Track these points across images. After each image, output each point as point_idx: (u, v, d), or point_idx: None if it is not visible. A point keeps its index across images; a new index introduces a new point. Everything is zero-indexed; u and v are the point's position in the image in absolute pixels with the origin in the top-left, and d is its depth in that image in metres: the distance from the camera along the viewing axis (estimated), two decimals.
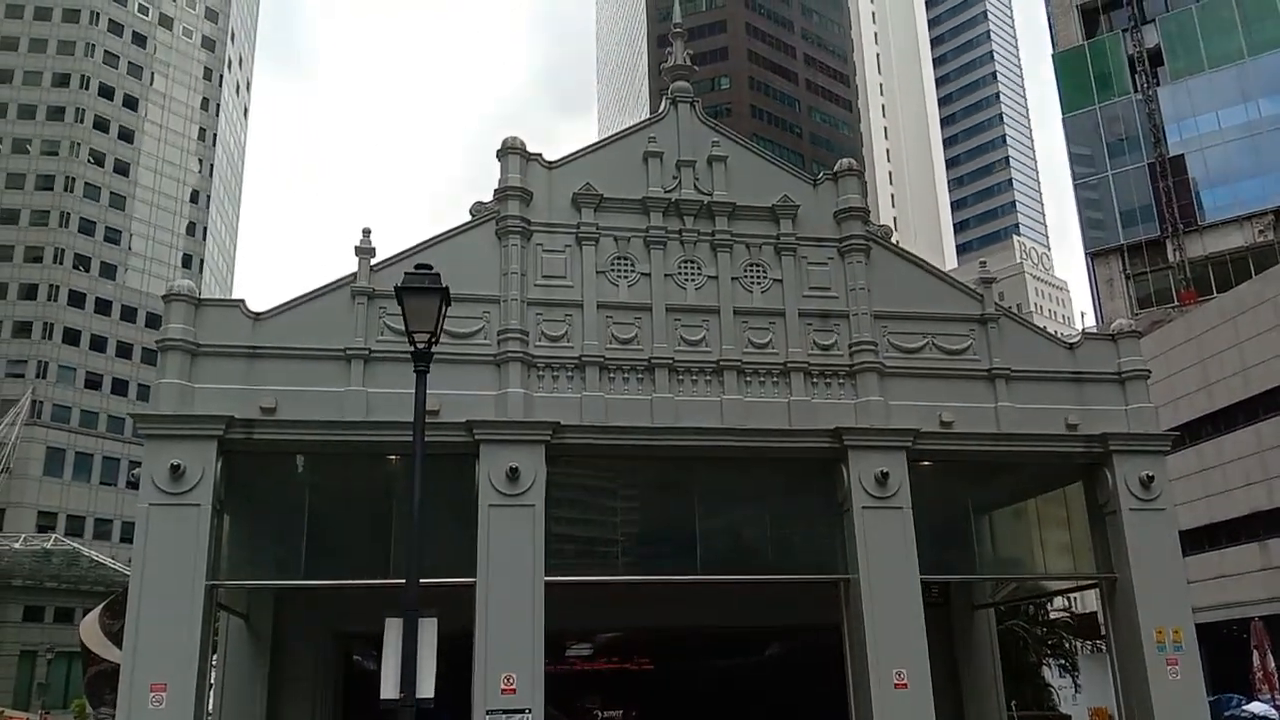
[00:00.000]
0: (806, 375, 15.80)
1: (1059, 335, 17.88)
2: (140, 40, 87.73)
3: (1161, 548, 15.83)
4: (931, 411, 15.77)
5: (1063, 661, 46.90)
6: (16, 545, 65.78)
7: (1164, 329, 46.32)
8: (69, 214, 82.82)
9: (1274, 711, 17.92)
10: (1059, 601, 50.92)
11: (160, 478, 13.29)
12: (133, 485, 68.87)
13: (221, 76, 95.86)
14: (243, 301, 14.78)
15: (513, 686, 13.36)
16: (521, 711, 13.29)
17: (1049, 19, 58.20)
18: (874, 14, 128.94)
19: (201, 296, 14.99)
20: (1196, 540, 40.63)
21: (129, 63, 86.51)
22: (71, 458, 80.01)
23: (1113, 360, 16.77)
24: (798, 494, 16.40)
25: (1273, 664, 27.23)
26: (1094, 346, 16.99)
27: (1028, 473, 16.93)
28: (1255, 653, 27.60)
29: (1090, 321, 57.65)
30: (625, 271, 15.84)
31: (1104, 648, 24.70)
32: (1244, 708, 17.62)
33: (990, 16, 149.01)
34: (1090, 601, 48.08)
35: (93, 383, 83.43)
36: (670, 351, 15.50)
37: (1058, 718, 44.29)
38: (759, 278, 16.21)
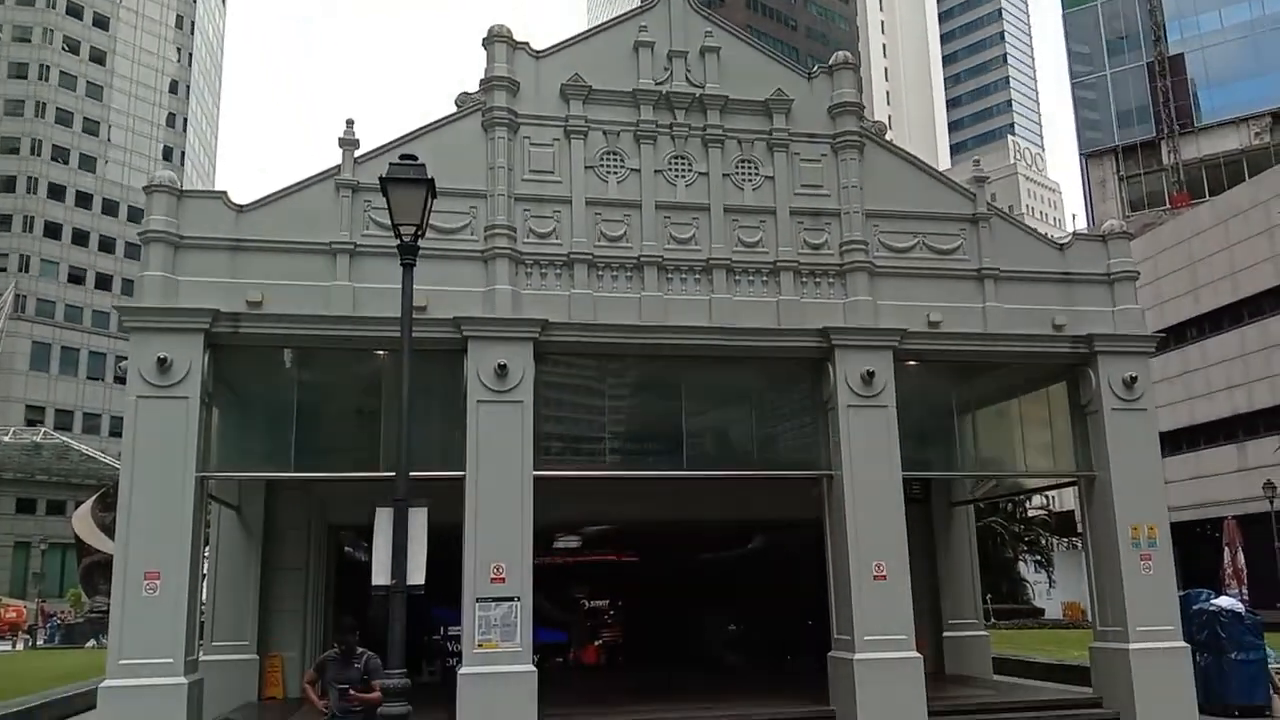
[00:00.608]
0: (796, 274, 15.75)
1: (1050, 237, 17.80)
2: None
3: (1141, 447, 16.08)
4: (919, 311, 15.79)
5: (1038, 558, 48.31)
6: (6, 439, 66.18)
7: (1154, 232, 46.25)
8: (45, 104, 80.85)
9: (1241, 605, 18.47)
10: (1037, 500, 52.12)
11: (147, 370, 13.26)
12: (120, 380, 68.98)
13: None
14: (225, 193, 14.54)
15: (502, 576, 13.64)
16: (510, 599, 13.59)
17: None
18: None
19: (183, 188, 14.73)
20: (1176, 442, 41.38)
21: None
22: (57, 352, 79.87)
23: (1102, 261, 16.75)
24: (784, 393, 16.51)
25: (1242, 560, 28.06)
26: (1084, 247, 16.94)
27: (1012, 373, 17.06)
28: (1226, 549, 28.41)
29: (1081, 224, 57.43)
30: (614, 167, 15.60)
31: (1079, 545, 25.34)
32: (1212, 601, 18.13)
33: None
34: (1068, 500, 49.19)
35: (76, 277, 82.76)
36: (659, 249, 15.38)
37: (1031, 611, 45.84)
38: (750, 175, 16.00)
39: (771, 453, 16.12)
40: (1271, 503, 33.03)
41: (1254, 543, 32.40)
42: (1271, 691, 17.14)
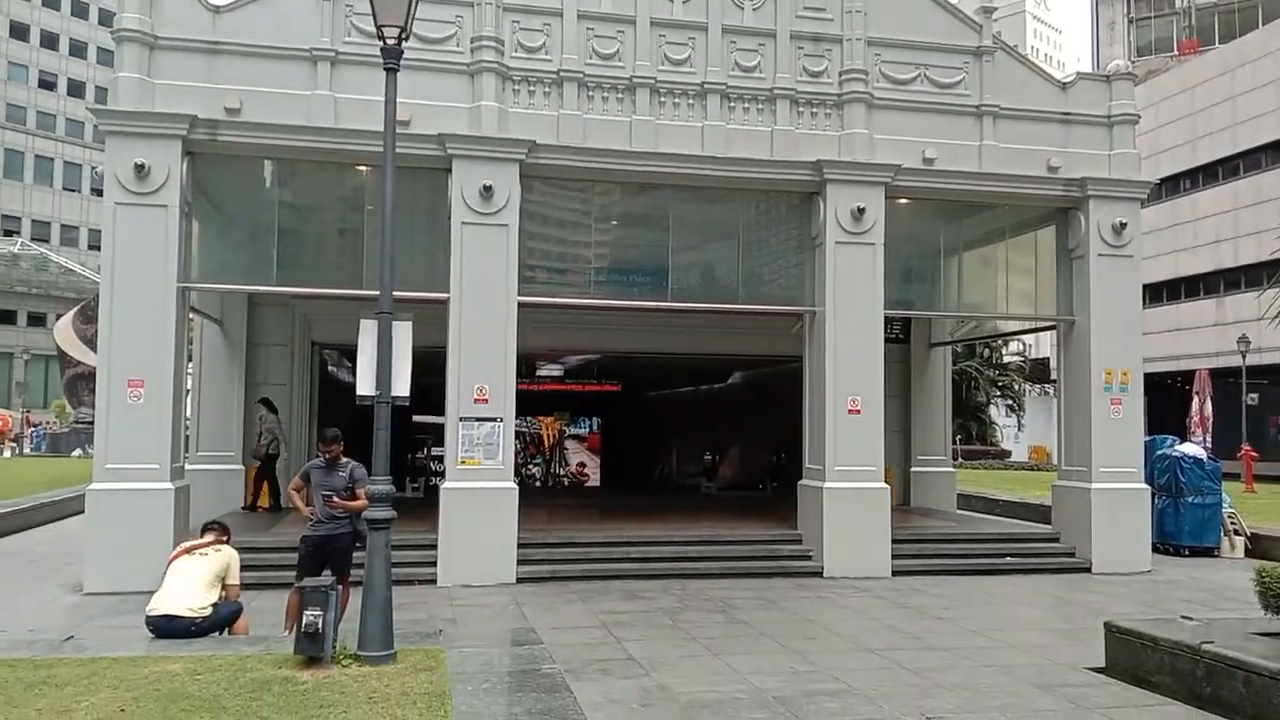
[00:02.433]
0: (793, 104, 15.33)
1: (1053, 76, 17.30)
2: None
3: (1123, 293, 16.16)
4: (915, 147, 15.49)
5: (1010, 402, 49.41)
6: None
7: (1157, 79, 45.13)
8: None
9: (1203, 452, 19.02)
10: (1013, 346, 52.87)
11: (125, 176, 12.93)
12: (98, 191, 67.62)
13: None
14: None
15: (485, 396, 13.79)
16: (493, 420, 13.80)
17: None
18: None
19: None
20: (1157, 293, 41.68)
21: None
22: (31, 161, 77.99)
23: (1104, 103, 16.38)
24: (772, 227, 16.35)
25: (1209, 410, 28.76)
26: (1087, 87, 16.51)
27: (1002, 214, 16.93)
28: (1195, 398, 29.07)
29: (1086, 67, 55.94)
30: None
31: (1051, 391, 25.73)
32: (1176, 447, 18.67)
33: None
34: (1044, 347, 49.88)
35: (46, 83, 79.94)
36: (653, 71, 14.87)
37: (999, 453, 47.21)
38: None
39: (757, 288, 16.10)
40: (1244, 356, 33.61)
41: (1223, 395, 33.15)
42: (1223, 534, 17.88)
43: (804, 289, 15.72)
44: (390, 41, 8.11)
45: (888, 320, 16.07)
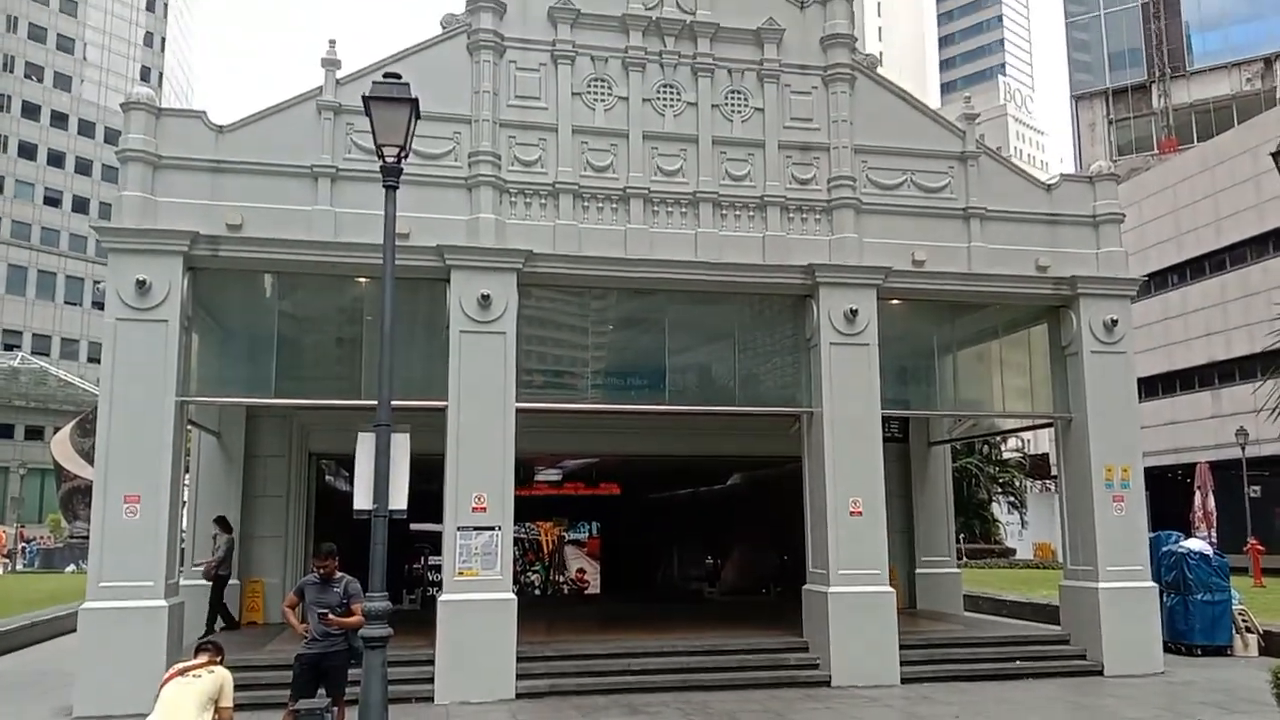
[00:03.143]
0: (783, 210, 15.63)
1: (1036, 178, 17.72)
2: None
3: (1118, 390, 16.21)
4: (904, 249, 15.74)
5: (1012, 499, 49.02)
6: None
7: (1140, 177, 46.14)
8: (17, 18, 78.70)
9: (1209, 548, 18.82)
10: (1012, 443, 52.72)
11: (126, 292, 13.09)
12: (99, 305, 68.23)
13: None
14: (204, 113, 14.23)
15: (483, 505, 13.70)
16: (491, 529, 13.67)
17: None
18: None
19: (162, 106, 14.41)
20: (1152, 387, 41.79)
21: None
22: (34, 276, 78.89)
23: (1088, 203, 16.72)
24: (767, 329, 16.51)
25: (1212, 504, 28.55)
26: (1071, 188, 16.88)
27: (994, 313, 17.10)
28: (1198, 492, 28.89)
29: (1068, 167, 57.23)
30: (602, 94, 15.34)
31: (1053, 487, 25.62)
32: (1181, 544, 18.47)
33: None
34: (1043, 443, 49.75)
35: (52, 200, 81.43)
36: (646, 181, 15.21)
37: (1003, 551, 46.64)
38: (740, 106, 15.78)
39: (753, 389, 16.17)
40: (1243, 449, 33.53)
41: (1224, 487, 32.96)
42: (1235, 632, 17.56)
43: (800, 390, 15.78)
44: (390, 160, 8.33)
45: (886, 419, 16.08)
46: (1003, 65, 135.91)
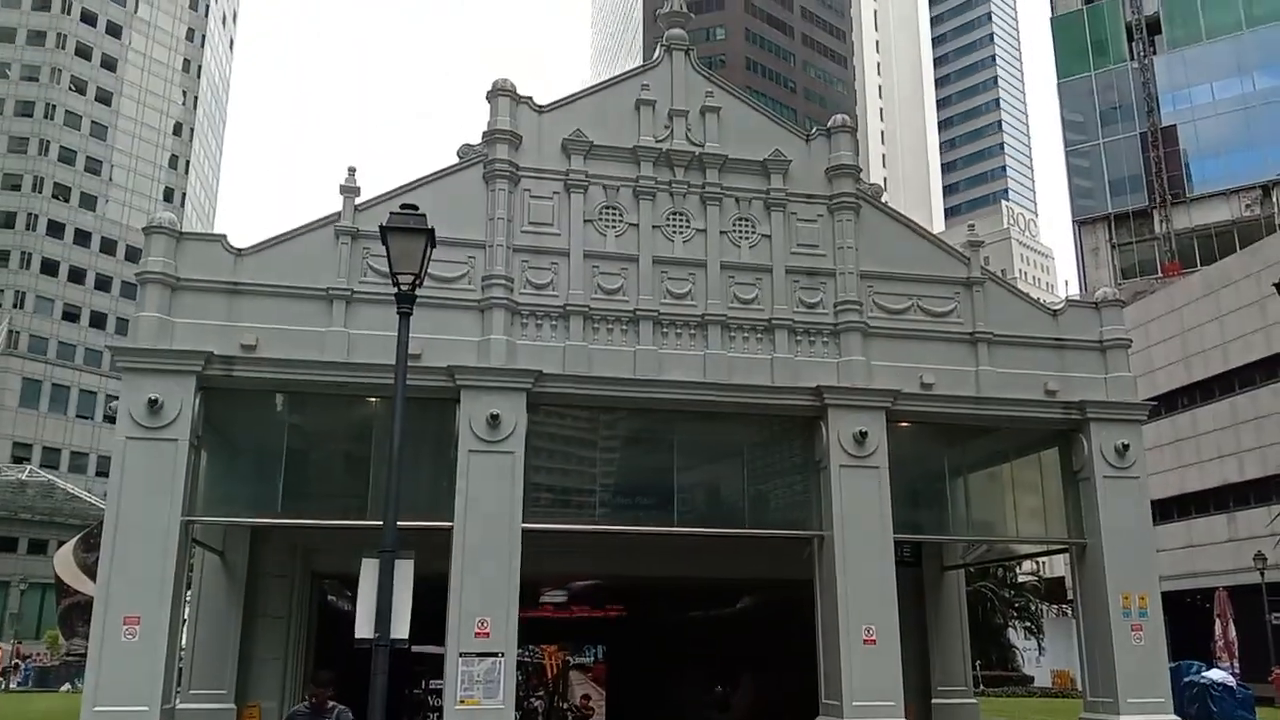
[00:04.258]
0: (791, 332, 15.80)
1: (1042, 302, 17.92)
2: None
3: (1132, 515, 16.02)
4: (913, 372, 15.82)
5: (1029, 624, 47.81)
6: None
7: (1146, 300, 46.55)
8: (49, 142, 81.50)
9: (1232, 679, 18.29)
10: (1027, 565, 51.76)
11: (138, 412, 13.19)
12: (110, 419, 68.60)
13: (208, 6, 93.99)
14: (224, 236, 14.60)
15: (486, 630, 13.46)
16: (494, 655, 13.39)
17: None
18: None
19: (183, 230, 14.79)
20: (1167, 510, 41.23)
21: None
22: (48, 389, 79.53)
23: (1095, 328, 16.85)
24: (776, 450, 16.47)
25: (1234, 633, 27.85)
26: (1077, 314, 17.04)
27: (1005, 437, 17.05)
28: (1218, 621, 28.21)
29: (1074, 290, 57.86)
30: (613, 221, 15.71)
31: (1069, 612, 25.14)
32: (1204, 674, 17.97)
33: None
34: (1058, 566, 48.87)
35: (71, 315, 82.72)
36: (655, 304, 15.44)
37: (1021, 678, 45.28)
38: (748, 232, 16.12)
39: (763, 511, 16.04)
40: (1262, 574, 32.86)
41: (1245, 614, 32.18)
42: None
43: (811, 512, 15.64)
44: (404, 288, 8.50)
45: (898, 544, 15.88)
46: (1005, 191, 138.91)
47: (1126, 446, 16.05)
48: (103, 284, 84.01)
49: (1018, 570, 49.17)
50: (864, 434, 15.17)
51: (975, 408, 15.91)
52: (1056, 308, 17.38)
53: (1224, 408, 40.78)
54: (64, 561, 44.40)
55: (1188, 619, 35.09)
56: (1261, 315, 38.77)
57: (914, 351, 16.03)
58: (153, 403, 13.17)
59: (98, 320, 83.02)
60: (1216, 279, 42.51)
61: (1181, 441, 42.30)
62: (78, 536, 46.15)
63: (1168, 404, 42.00)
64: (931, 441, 16.66)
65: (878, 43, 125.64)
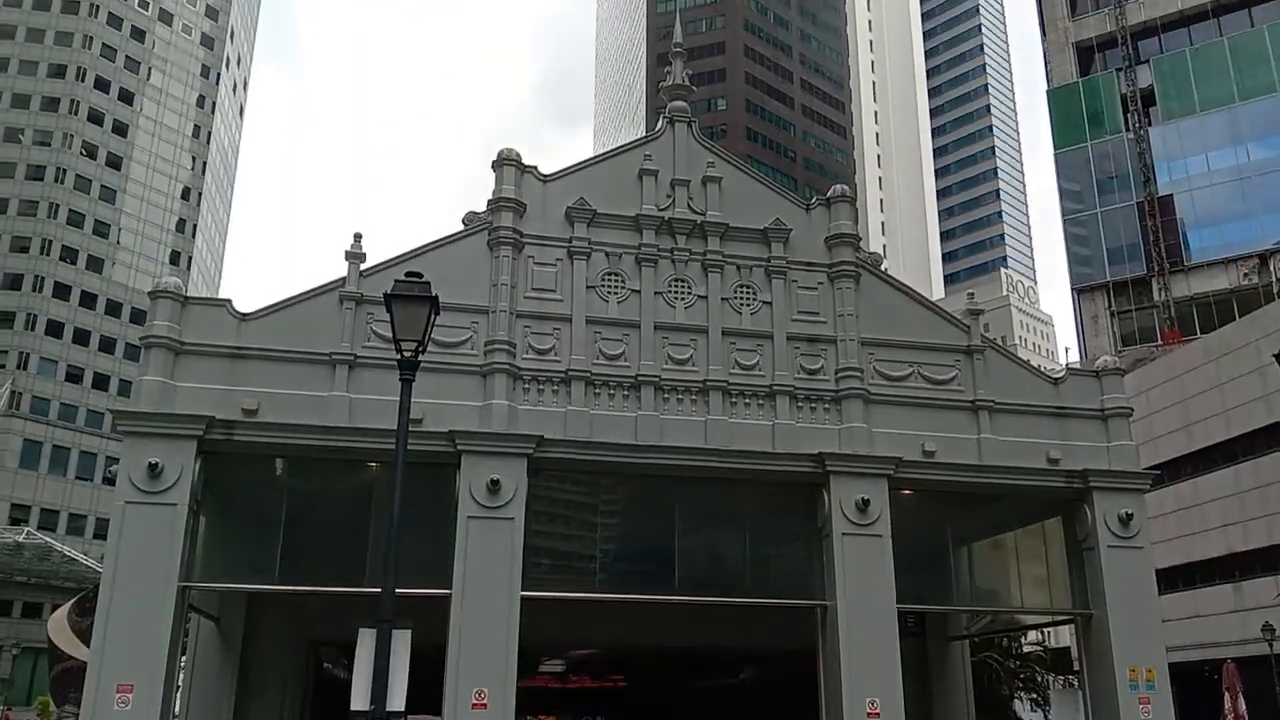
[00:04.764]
0: (792, 399, 15.82)
1: (1043, 369, 17.96)
2: (139, 35, 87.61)
3: (1138, 586, 15.87)
4: (914, 440, 15.80)
5: (1035, 695, 46.93)
6: None
7: (1146, 367, 46.59)
8: (58, 205, 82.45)
9: None
10: (1032, 635, 50.98)
11: (138, 476, 13.17)
12: (109, 481, 68.29)
13: (219, 74, 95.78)
14: (229, 301, 14.71)
15: (484, 702, 13.26)
16: None
17: (1045, 55, 58.76)
18: (871, 43, 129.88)
19: (188, 294, 14.92)
20: (1172, 579, 40.78)
21: (126, 57, 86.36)
22: (48, 451, 79.31)
23: (1096, 396, 16.86)
24: (778, 517, 16.38)
25: (1243, 706, 27.33)
26: (1078, 382, 17.07)
27: (1008, 505, 16.97)
28: (1227, 695, 27.70)
29: (1074, 357, 57.99)
30: (615, 287, 15.84)
31: (1076, 683, 24.79)
32: None
33: (986, 50, 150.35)
34: (1064, 636, 48.17)
35: (74, 376, 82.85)
36: (657, 369, 15.49)
37: None
38: (748, 299, 16.24)
39: (764, 579, 15.90)
40: (1271, 645, 32.39)
41: (1255, 687, 31.64)
42: None
43: (813, 580, 15.50)
44: (407, 354, 8.55)
45: (902, 614, 15.70)
46: (1004, 258, 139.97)
47: (1130, 515, 15.96)
48: (107, 345, 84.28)
49: (1023, 640, 48.47)
50: (866, 501, 15.11)
51: (978, 475, 15.86)
52: (1057, 376, 17.43)
53: (1227, 475, 40.58)
54: (58, 626, 43.77)
55: (1196, 691, 34.50)
56: (1262, 383, 38.78)
57: (915, 419, 16.04)
58: (153, 467, 13.15)
59: (100, 382, 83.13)
60: (1216, 347, 42.62)
61: (1185, 509, 42.01)
62: (73, 600, 45.58)
63: (1170, 471, 41.78)
64: (934, 509, 16.57)
65: (876, 113, 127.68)
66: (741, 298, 16.22)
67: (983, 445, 16.02)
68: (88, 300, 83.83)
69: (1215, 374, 41.60)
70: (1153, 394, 43.48)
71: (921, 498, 16.24)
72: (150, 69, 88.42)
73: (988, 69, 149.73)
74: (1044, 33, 58.56)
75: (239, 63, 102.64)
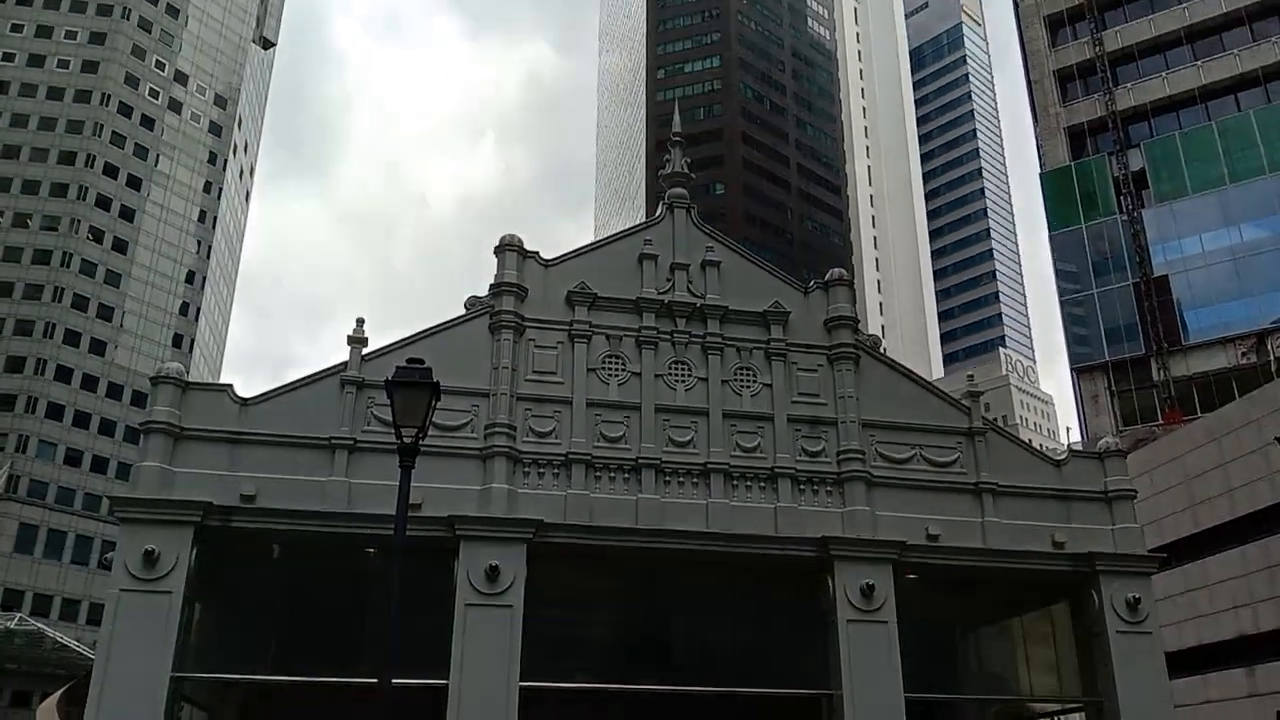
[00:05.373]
0: (794, 482, 15.74)
1: (1045, 449, 17.90)
2: (148, 123, 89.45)
3: (1148, 672, 15.57)
4: (918, 523, 15.67)
5: None
6: None
7: (1149, 447, 46.38)
8: (63, 289, 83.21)
9: None
10: None
11: (133, 563, 13.04)
12: (104, 566, 67.59)
13: (226, 161, 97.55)
14: (230, 387, 14.74)
15: None
16: None
17: (1037, 139, 59.87)
18: (865, 129, 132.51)
19: (189, 380, 14.96)
20: (1182, 663, 39.95)
21: (135, 144, 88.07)
22: (44, 535, 78.64)
23: (1099, 479, 16.76)
24: (782, 603, 16.15)
25: None
26: (1080, 464, 16.99)
27: (1014, 589, 16.75)
28: None
29: (1076, 437, 57.80)
30: (616, 370, 15.89)
31: None
32: None
33: (979, 135, 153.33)
34: None
35: (72, 459, 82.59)
36: (658, 452, 15.45)
37: None
38: (749, 381, 16.27)
39: (769, 667, 15.60)
40: None
41: None
42: None
43: (818, 668, 15.20)
44: (408, 440, 8.53)
45: (910, 702, 15.36)
46: (1002, 338, 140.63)
47: (1138, 600, 15.74)
48: (107, 428, 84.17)
49: None
50: (871, 587, 14.91)
51: (983, 560, 15.69)
52: (1060, 458, 17.36)
53: (1235, 557, 40.07)
54: (47, 715, 42.88)
55: None
56: (1265, 463, 38.55)
57: (919, 502, 15.93)
58: (149, 554, 13.03)
59: (99, 465, 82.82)
60: (1218, 426, 42.47)
61: (1194, 592, 41.38)
62: (63, 689, 44.71)
63: (1176, 553, 41.29)
64: (940, 594, 16.34)
65: (871, 197, 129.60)
66: (742, 380, 16.26)
67: (987, 528, 15.88)
68: (89, 383, 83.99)
69: (1218, 453, 41.39)
70: (1156, 474, 43.21)
71: (926, 582, 16.02)
72: (159, 155, 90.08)
73: (981, 153, 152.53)
74: (1036, 118, 59.77)
75: (246, 149, 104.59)
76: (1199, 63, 53.67)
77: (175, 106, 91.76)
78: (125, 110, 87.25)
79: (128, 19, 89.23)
